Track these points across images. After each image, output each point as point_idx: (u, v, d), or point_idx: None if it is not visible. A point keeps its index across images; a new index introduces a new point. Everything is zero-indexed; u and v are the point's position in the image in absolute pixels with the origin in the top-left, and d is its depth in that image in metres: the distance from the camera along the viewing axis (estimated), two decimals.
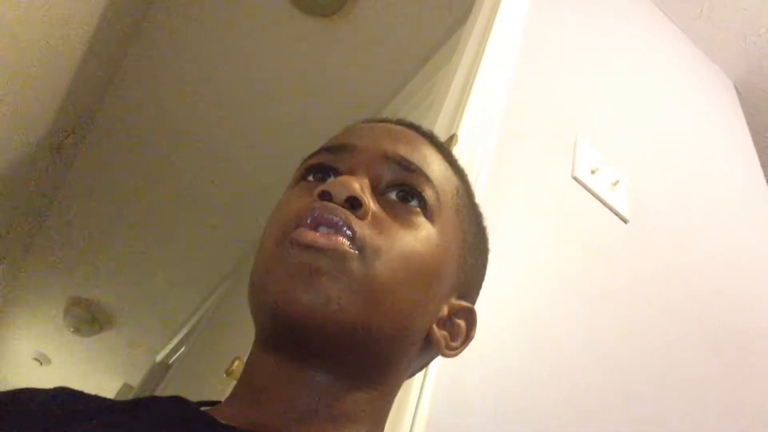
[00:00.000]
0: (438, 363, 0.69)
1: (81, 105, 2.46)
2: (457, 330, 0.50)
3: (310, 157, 0.53)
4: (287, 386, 0.42)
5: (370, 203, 0.44)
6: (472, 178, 0.61)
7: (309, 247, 0.40)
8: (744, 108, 1.95)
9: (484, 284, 0.58)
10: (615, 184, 1.16)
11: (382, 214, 0.45)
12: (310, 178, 0.50)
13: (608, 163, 1.19)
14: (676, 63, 1.82)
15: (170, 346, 3.56)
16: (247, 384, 0.45)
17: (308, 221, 0.42)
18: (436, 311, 0.49)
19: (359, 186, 0.44)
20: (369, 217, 0.44)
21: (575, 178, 1.10)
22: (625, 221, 1.12)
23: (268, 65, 2.35)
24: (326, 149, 0.52)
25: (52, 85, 2.08)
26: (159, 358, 3.62)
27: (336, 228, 0.41)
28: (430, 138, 0.55)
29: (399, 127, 0.54)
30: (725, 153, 1.65)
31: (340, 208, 0.42)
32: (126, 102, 2.64)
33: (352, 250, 0.41)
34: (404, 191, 0.48)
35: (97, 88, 2.54)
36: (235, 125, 2.63)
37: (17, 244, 3.18)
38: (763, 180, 1.68)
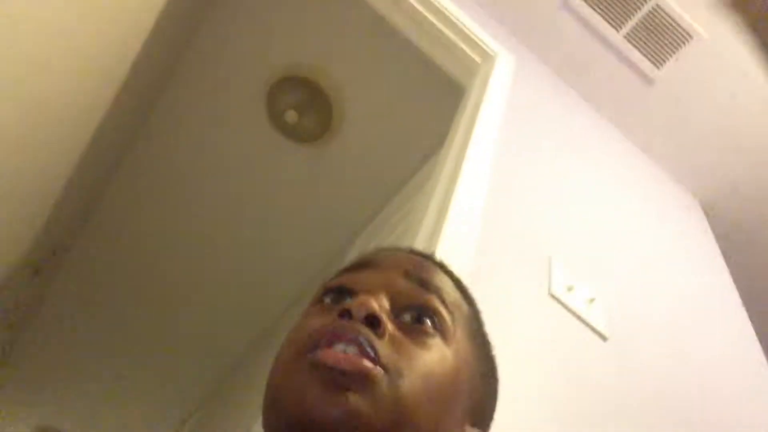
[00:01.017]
0: None
1: (63, 227, 2.48)
2: None
3: (331, 279, 0.54)
4: None
5: (388, 323, 0.45)
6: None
7: (333, 369, 0.41)
8: (712, 227, 2.03)
9: None
10: (591, 301, 1.18)
11: (398, 334, 0.46)
12: (327, 300, 0.51)
13: (583, 282, 1.22)
14: (644, 184, 1.91)
15: None
16: None
17: (329, 339, 0.42)
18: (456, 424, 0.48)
19: (378, 305, 0.45)
20: (387, 337, 0.44)
21: (552, 296, 1.12)
22: (603, 338, 1.13)
23: (253, 188, 2.42)
24: (347, 269, 0.54)
25: (35, 206, 2.11)
26: None
27: (358, 346, 0.42)
28: (443, 267, 0.58)
29: (415, 255, 0.57)
30: (696, 269, 1.70)
31: (361, 325, 0.43)
32: (107, 227, 2.67)
33: (377, 370, 0.41)
34: (419, 313, 0.48)
35: (80, 211, 2.57)
36: (217, 249, 2.66)
37: None
38: (736, 294, 1.72)
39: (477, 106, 1.49)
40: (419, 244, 1.00)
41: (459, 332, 0.51)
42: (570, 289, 1.17)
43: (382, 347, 0.43)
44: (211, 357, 3.02)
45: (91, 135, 2.02)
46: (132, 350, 3.11)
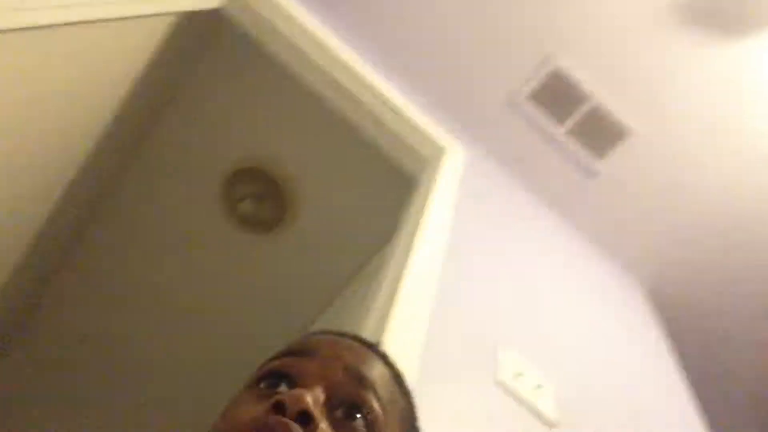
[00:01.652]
0: None
1: (14, 303, 2.41)
2: None
3: (268, 361, 0.55)
4: None
5: (320, 421, 0.46)
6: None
7: None
8: (659, 312, 2.11)
9: None
10: (538, 387, 1.21)
11: (329, 431, 0.47)
12: (263, 385, 0.51)
13: (531, 368, 1.25)
14: (590, 271, 1.99)
15: None
16: None
17: None
18: None
19: (312, 401, 0.45)
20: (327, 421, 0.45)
21: (499, 383, 1.14)
22: (551, 425, 1.15)
23: (208, 273, 2.42)
24: (286, 352, 0.55)
25: None
26: None
27: None
28: (384, 358, 0.59)
29: (357, 343, 0.57)
30: (642, 354, 1.74)
31: (292, 423, 0.43)
32: (60, 314, 2.60)
33: None
34: (352, 409, 0.49)
35: (32, 297, 2.51)
36: (173, 329, 2.61)
37: None
38: (681, 377, 1.77)
39: (427, 198, 1.56)
40: (366, 334, 1.02)
41: (390, 428, 0.51)
42: (517, 375, 1.19)
43: None
44: None
45: (47, 215, 2.01)
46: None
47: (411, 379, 0.94)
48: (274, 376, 0.52)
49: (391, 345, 0.96)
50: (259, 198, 2.17)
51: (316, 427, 0.45)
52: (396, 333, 0.99)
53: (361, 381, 0.51)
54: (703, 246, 2.19)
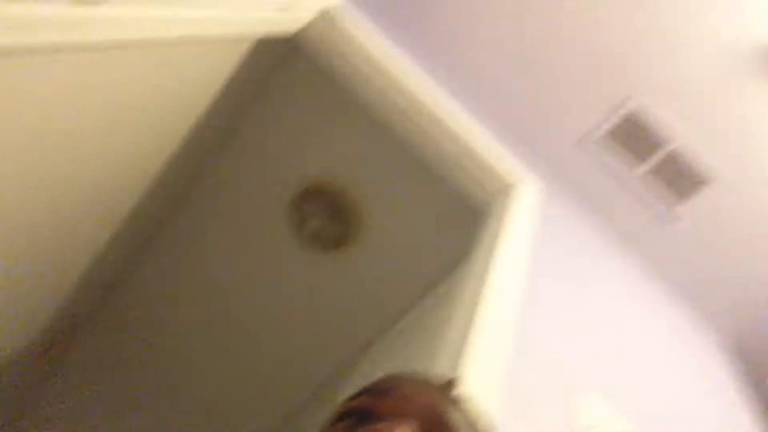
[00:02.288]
0: None
1: (78, 309, 2.44)
2: None
3: (351, 398, 0.53)
4: None
5: None
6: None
7: None
8: (740, 365, 1.98)
9: None
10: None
11: None
12: (348, 422, 0.50)
13: (609, 416, 1.18)
14: (668, 321, 1.89)
15: None
16: None
17: None
18: None
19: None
20: None
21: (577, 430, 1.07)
22: None
23: (273, 292, 2.42)
24: (368, 391, 0.53)
25: (52, 286, 2.09)
26: None
27: None
28: (459, 402, 0.57)
29: (437, 396, 0.55)
30: (719, 411, 1.63)
31: None
32: (124, 314, 2.64)
33: None
34: None
35: (98, 294, 2.55)
36: (234, 351, 2.61)
37: None
38: None
39: (498, 233, 1.51)
40: (439, 369, 0.97)
41: None
42: (597, 424, 1.12)
43: None
44: None
45: (111, 233, 2.04)
46: None
47: (488, 421, 0.89)
48: (355, 415, 0.51)
49: (467, 383, 0.91)
50: (326, 218, 2.17)
51: None
52: (473, 372, 0.94)
53: (442, 419, 0.51)
54: None
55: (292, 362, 2.52)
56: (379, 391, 0.53)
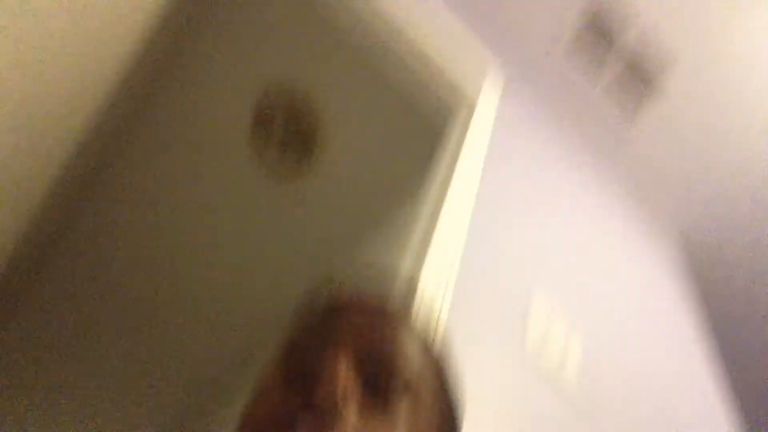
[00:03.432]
0: None
1: (40, 243, 2.43)
2: None
3: (292, 331, 0.54)
4: None
5: (350, 414, 0.44)
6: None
7: None
8: (689, 265, 2.06)
9: None
10: (567, 339, 1.18)
11: (360, 419, 0.45)
12: (287, 368, 0.50)
13: (560, 319, 1.23)
14: (621, 224, 1.94)
15: None
16: None
17: None
18: None
19: (342, 391, 0.44)
20: (355, 406, 0.44)
21: (525, 340, 1.12)
22: (577, 382, 1.13)
23: (231, 219, 2.41)
24: (307, 327, 0.53)
25: (11, 216, 2.06)
26: None
27: None
28: (407, 321, 0.56)
29: (382, 305, 0.55)
30: (669, 314, 1.72)
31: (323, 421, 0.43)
32: (80, 247, 2.62)
33: None
34: (382, 374, 0.48)
35: (50, 239, 2.52)
36: (193, 272, 2.62)
37: None
38: (705, 342, 1.74)
39: (459, 146, 1.51)
40: (399, 284, 1.00)
41: (422, 405, 0.50)
42: (545, 330, 1.17)
43: None
44: (180, 384, 2.95)
45: (70, 149, 1.99)
46: (101, 370, 3.03)
47: (444, 324, 0.92)
48: (300, 348, 0.51)
49: (425, 290, 0.93)
50: (284, 143, 2.13)
51: (347, 421, 0.43)
52: (429, 278, 0.97)
53: (389, 363, 0.50)
54: (739, 199, 2.11)
55: (255, 288, 2.54)
56: (317, 327, 0.53)
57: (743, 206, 2.09)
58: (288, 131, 2.20)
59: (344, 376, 0.45)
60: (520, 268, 1.30)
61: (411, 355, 0.52)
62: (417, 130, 2.02)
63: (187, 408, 3.01)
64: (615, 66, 1.99)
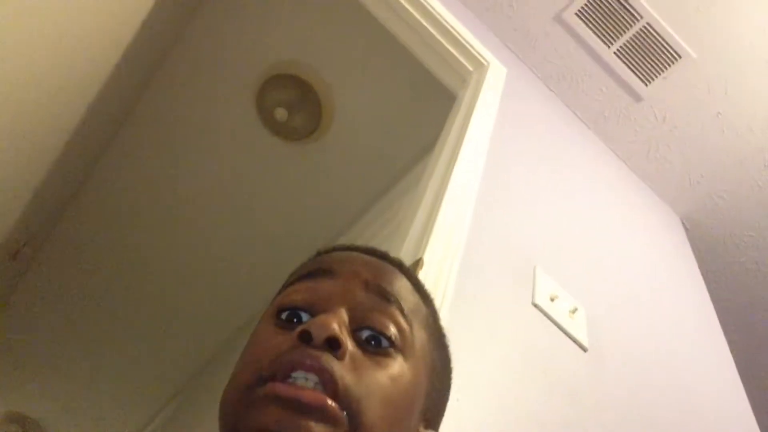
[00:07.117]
0: None
1: (43, 214, 2.45)
2: None
3: (286, 287, 0.54)
4: None
5: (348, 344, 0.45)
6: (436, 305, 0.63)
7: (293, 400, 0.41)
8: (692, 243, 2.07)
9: (448, 414, 0.58)
10: (573, 312, 1.19)
11: (357, 353, 0.46)
12: (284, 315, 0.50)
13: (566, 292, 1.24)
14: (628, 198, 1.94)
15: None
16: None
17: (288, 369, 0.42)
18: None
19: (338, 325, 0.45)
20: (347, 358, 0.44)
21: (535, 305, 1.13)
22: (584, 349, 1.15)
23: (240, 182, 2.42)
24: (303, 276, 0.53)
25: (15, 191, 2.08)
26: None
27: (319, 373, 0.42)
28: (400, 266, 0.57)
29: (373, 258, 0.56)
30: (675, 284, 1.72)
31: (321, 353, 0.43)
32: (89, 214, 2.64)
33: (339, 412, 0.41)
34: (377, 328, 0.48)
35: (62, 199, 2.54)
36: (203, 237, 2.65)
37: None
38: (711, 308, 1.75)
39: (468, 115, 1.50)
40: (406, 250, 1.01)
41: (417, 340, 0.51)
42: (553, 299, 1.18)
43: (342, 377, 0.42)
44: (189, 345, 3.00)
45: (77, 123, 2.00)
46: (109, 336, 3.08)
47: (448, 298, 0.94)
48: (294, 307, 0.50)
49: (430, 260, 0.94)
50: (294, 106, 2.12)
51: (345, 351, 0.44)
52: (436, 249, 0.98)
53: (384, 296, 0.50)
54: (744, 180, 2.11)
55: (265, 251, 2.56)
56: (313, 273, 0.53)
57: (759, 169, 2.07)
58: (297, 93, 2.19)
59: (339, 327, 0.45)
60: (527, 238, 1.30)
61: (409, 299, 0.53)
62: (427, 95, 2.01)
63: (193, 375, 3.06)
64: (629, 29, 1.96)
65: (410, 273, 0.58)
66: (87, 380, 3.33)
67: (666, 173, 2.13)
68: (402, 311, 0.50)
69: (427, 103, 2.02)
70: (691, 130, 2.06)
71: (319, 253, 0.59)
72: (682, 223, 2.15)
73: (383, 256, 0.58)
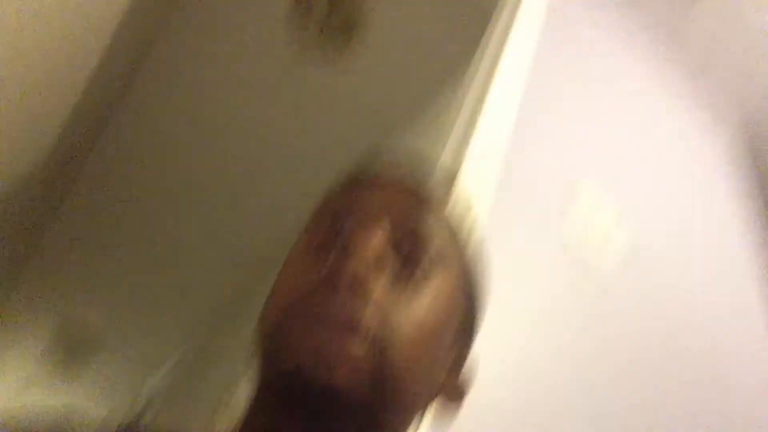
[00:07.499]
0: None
1: (91, 120, 2.47)
2: (455, 390, 0.52)
3: (327, 196, 0.54)
4: None
5: (378, 284, 0.44)
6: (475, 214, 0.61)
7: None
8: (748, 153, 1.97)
9: (490, 322, 0.58)
10: (612, 228, 1.18)
11: (392, 280, 0.46)
12: (323, 235, 0.50)
13: (605, 208, 1.21)
14: (680, 119, 1.85)
15: (156, 378, 3.50)
16: None
17: (324, 307, 0.42)
18: (443, 370, 0.50)
19: (380, 245, 0.45)
20: (383, 279, 0.44)
21: (572, 223, 1.12)
22: (620, 268, 1.14)
23: (274, 99, 2.40)
24: (345, 184, 0.54)
25: (65, 91, 2.08)
26: (144, 389, 3.56)
27: (351, 328, 0.42)
28: (431, 194, 0.56)
29: (409, 184, 0.55)
30: (717, 204, 1.67)
31: (357, 301, 0.42)
32: (127, 132, 2.66)
33: (368, 355, 0.41)
34: (414, 253, 0.48)
35: (102, 111, 2.56)
36: (238, 156, 2.66)
37: (7, 264, 3.16)
38: (752, 236, 1.70)
39: (507, 28, 1.44)
40: (443, 165, 0.99)
41: (450, 264, 0.50)
42: (591, 214, 1.16)
43: (373, 317, 0.42)
44: (231, 266, 3.08)
45: (107, 41, 1.97)
46: (154, 249, 3.18)
47: (485, 211, 0.92)
48: (335, 217, 0.50)
49: (468, 175, 0.93)
50: (327, 20, 2.06)
51: (385, 270, 0.44)
52: (473, 163, 0.96)
53: (426, 205, 0.51)
54: None
55: (300, 170, 2.56)
56: (356, 181, 0.53)
57: None
58: (329, 12, 2.12)
59: (378, 249, 0.45)
60: (569, 155, 1.27)
61: (442, 238, 0.52)
62: (463, 9, 1.93)
63: (239, 286, 3.15)
64: None
65: (443, 202, 0.56)
66: (136, 288, 3.47)
67: (721, 78, 2.01)
68: (441, 222, 0.51)
69: (464, 15, 1.94)
70: (746, 38, 1.93)
71: (350, 179, 0.57)
72: (733, 134, 2.03)
73: (417, 184, 0.55)
